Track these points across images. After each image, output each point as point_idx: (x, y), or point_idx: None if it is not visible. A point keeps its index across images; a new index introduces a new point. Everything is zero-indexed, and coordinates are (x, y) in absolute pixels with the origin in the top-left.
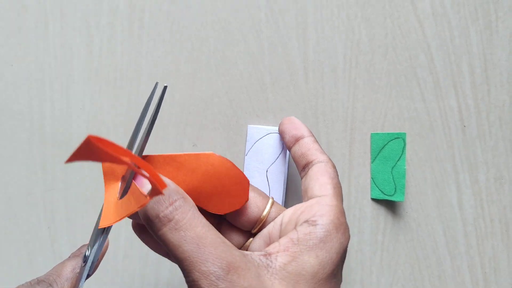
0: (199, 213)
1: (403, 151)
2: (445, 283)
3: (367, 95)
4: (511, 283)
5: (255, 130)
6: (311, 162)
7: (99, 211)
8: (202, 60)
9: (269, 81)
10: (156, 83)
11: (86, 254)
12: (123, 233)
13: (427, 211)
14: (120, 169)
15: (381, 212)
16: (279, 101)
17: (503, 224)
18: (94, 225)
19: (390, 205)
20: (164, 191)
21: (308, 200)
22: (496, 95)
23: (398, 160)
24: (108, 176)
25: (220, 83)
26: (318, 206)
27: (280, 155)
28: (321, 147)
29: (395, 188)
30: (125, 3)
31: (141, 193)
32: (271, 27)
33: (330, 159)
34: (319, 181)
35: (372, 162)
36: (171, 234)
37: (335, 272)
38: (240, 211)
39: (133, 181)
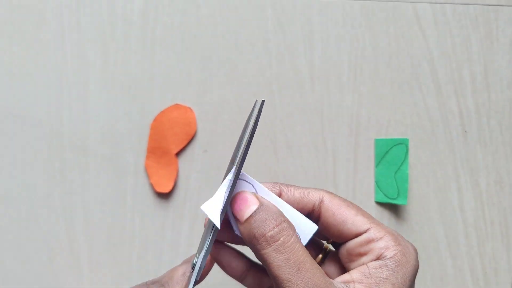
0: (298, 237)
1: (405, 156)
2: (446, 283)
3: (371, 102)
4: (510, 282)
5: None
6: (313, 207)
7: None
8: (212, 69)
9: (276, 89)
10: (256, 101)
11: (194, 261)
12: (138, 234)
13: (429, 214)
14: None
15: (384, 214)
16: (286, 108)
17: (503, 226)
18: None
19: (393, 208)
20: (268, 213)
21: (352, 238)
22: (496, 101)
23: (401, 165)
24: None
25: (229, 91)
26: (376, 243)
27: None
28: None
29: (398, 192)
30: (139, 15)
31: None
32: (278, 37)
33: (323, 190)
34: (346, 216)
35: (376, 167)
36: (275, 254)
37: None
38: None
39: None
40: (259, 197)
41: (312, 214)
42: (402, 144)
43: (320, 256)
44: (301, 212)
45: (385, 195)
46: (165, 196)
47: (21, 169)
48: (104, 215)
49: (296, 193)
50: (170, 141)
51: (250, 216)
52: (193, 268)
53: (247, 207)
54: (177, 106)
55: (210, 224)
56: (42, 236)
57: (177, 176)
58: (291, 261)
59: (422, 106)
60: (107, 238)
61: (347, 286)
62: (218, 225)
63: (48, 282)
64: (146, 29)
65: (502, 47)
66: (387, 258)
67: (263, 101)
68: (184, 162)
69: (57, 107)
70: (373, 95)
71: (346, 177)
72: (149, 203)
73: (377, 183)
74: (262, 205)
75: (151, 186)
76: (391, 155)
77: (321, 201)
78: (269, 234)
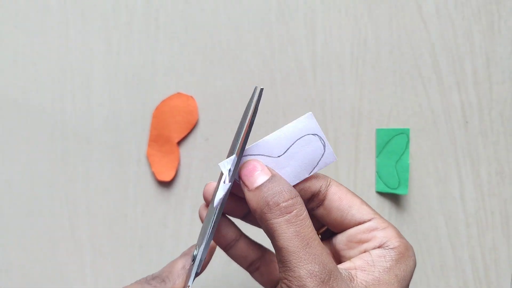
0: (308, 215)
1: (406, 146)
2: (447, 273)
3: (373, 92)
4: (510, 273)
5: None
6: (319, 189)
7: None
8: (215, 59)
9: (279, 79)
10: (255, 87)
11: (194, 253)
12: (140, 222)
13: (429, 204)
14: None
15: (385, 204)
16: (288, 98)
17: (503, 217)
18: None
19: (394, 198)
20: (283, 185)
21: (353, 226)
22: (497, 92)
23: (402, 155)
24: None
25: (232, 80)
26: (379, 232)
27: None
28: None
29: (399, 182)
30: (142, 4)
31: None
32: (281, 27)
33: (324, 175)
34: (353, 202)
35: (377, 157)
36: (286, 225)
37: (409, 284)
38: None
39: (243, 170)
40: (271, 169)
41: (317, 196)
42: (403, 134)
43: None
44: (305, 192)
45: (386, 185)
46: (166, 184)
47: (24, 157)
48: (106, 203)
49: None
50: (172, 130)
51: (262, 185)
52: (193, 260)
53: (258, 175)
54: (179, 95)
55: (209, 216)
56: (45, 225)
57: (178, 164)
58: (301, 235)
59: (423, 97)
60: (110, 226)
61: (349, 273)
62: (228, 183)
63: (51, 271)
64: (149, 17)
65: (504, 39)
66: (390, 248)
67: (261, 89)
68: (185, 150)
69: (60, 95)
70: (375, 86)
71: (347, 167)
72: (151, 191)
73: (378, 173)
74: (274, 176)
75: (153, 174)
76: (392, 145)
77: (329, 185)
78: (283, 204)
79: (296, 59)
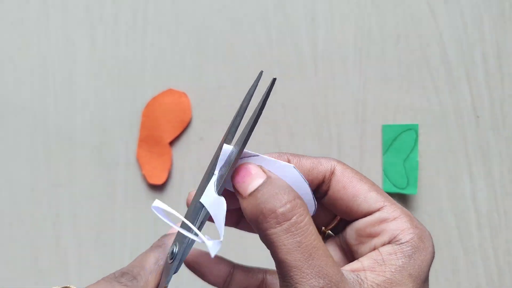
0: (311, 219)
1: (415, 143)
2: (458, 277)
3: (378, 86)
4: None
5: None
6: (322, 179)
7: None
8: (208, 51)
9: (277, 72)
10: (261, 72)
11: (174, 251)
12: (129, 229)
13: (440, 204)
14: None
15: None
16: (288, 93)
17: None
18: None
19: (402, 198)
20: (279, 187)
21: (361, 217)
22: (510, 84)
23: (410, 152)
24: None
25: (227, 75)
26: (389, 224)
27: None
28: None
29: (408, 181)
30: None
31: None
32: (279, 16)
33: (334, 159)
34: (358, 190)
35: (383, 155)
36: (285, 236)
37: (427, 278)
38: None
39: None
40: (266, 170)
41: (321, 186)
42: (411, 130)
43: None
44: (310, 184)
45: (394, 184)
46: (158, 188)
47: (3, 160)
48: (93, 209)
49: (306, 163)
50: (163, 129)
51: (256, 190)
52: (172, 258)
53: (252, 180)
54: (170, 92)
55: (195, 209)
56: (27, 233)
57: (171, 166)
58: (303, 246)
59: (431, 90)
60: (96, 234)
61: (357, 276)
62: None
63: (33, 282)
64: (136, 8)
65: None
66: (403, 243)
67: (274, 79)
68: (178, 151)
69: (42, 94)
70: (380, 79)
71: (352, 166)
72: (141, 196)
73: (384, 172)
74: (269, 178)
75: (143, 177)
76: (399, 142)
77: (332, 172)
78: (280, 210)
79: (295, 50)
